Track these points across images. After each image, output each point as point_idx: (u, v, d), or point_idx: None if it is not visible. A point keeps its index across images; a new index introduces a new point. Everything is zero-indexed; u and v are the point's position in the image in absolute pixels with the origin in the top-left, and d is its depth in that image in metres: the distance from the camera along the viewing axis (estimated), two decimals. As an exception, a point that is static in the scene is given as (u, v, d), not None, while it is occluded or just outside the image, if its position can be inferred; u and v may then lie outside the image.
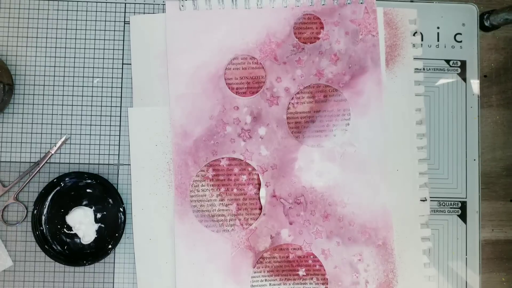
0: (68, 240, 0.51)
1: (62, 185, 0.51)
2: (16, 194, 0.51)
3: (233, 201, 0.51)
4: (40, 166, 0.51)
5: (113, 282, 0.52)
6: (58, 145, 0.52)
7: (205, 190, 0.51)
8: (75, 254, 0.51)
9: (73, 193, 0.51)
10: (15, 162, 0.52)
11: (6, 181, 0.52)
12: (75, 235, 0.51)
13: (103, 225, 0.51)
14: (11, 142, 0.52)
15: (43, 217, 0.51)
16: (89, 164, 0.52)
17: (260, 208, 0.52)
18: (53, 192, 0.51)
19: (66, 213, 0.50)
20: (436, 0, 0.55)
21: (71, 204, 0.51)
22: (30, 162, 0.52)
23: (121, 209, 0.51)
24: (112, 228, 0.51)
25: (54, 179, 0.50)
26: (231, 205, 0.51)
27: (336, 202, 0.52)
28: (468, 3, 0.55)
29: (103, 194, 0.51)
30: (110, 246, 0.50)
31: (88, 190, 0.51)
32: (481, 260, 0.54)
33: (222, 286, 0.50)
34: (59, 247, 0.51)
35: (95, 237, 0.51)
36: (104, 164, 0.52)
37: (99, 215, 0.51)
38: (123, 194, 0.52)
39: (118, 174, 0.52)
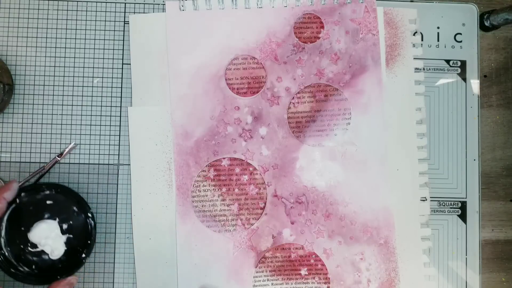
0: (35, 258, 0.47)
1: (18, 201, 0.47)
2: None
3: (234, 201, 0.51)
4: (45, 171, 0.51)
5: (113, 282, 0.51)
6: (65, 152, 0.51)
7: (206, 190, 0.51)
8: (45, 272, 0.47)
9: (31, 208, 0.47)
10: (15, 162, 0.52)
11: (6, 181, 0.51)
12: (43, 252, 0.47)
13: (71, 236, 0.47)
14: (11, 142, 0.52)
15: (2, 240, 0.47)
16: (89, 164, 0.52)
17: (262, 208, 0.52)
18: (8, 211, 0.47)
19: (28, 230, 0.46)
20: (436, 0, 0.55)
21: (32, 220, 0.47)
22: (30, 162, 0.52)
23: (89, 215, 0.48)
24: (83, 237, 0.48)
25: None
26: (232, 205, 0.51)
27: (337, 201, 0.52)
28: (468, 3, 0.55)
29: (65, 203, 0.48)
30: (84, 255, 0.47)
31: (48, 202, 0.47)
32: (481, 260, 0.54)
33: (224, 286, 0.50)
34: (26, 268, 0.47)
35: (65, 250, 0.47)
36: (104, 164, 0.52)
37: (65, 226, 0.47)
38: (123, 194, 0.52)
39: (118, 174, 0.52)
